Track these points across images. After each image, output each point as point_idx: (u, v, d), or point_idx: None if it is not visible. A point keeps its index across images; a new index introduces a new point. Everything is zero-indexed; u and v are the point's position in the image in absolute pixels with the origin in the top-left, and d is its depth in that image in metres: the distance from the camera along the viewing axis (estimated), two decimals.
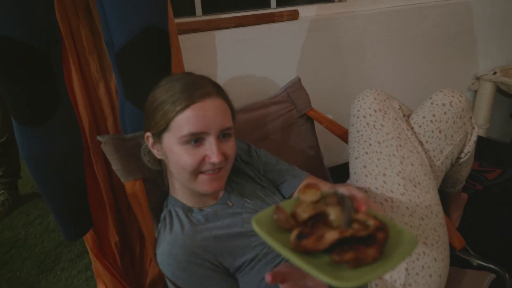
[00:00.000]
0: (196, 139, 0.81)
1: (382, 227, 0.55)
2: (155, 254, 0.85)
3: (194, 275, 0.81)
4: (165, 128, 0.82)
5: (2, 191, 2.26)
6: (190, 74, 0.88)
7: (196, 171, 0.83)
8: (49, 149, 0.96)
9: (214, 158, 0.81)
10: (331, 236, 0.52)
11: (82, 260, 1.82)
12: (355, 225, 0.55)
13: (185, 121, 0.79)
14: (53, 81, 0.93)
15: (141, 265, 1.43)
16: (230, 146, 0.86)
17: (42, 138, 0.94)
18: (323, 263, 0.51)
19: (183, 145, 0.81)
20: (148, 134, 0.87)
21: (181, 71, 1.21)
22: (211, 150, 0.81)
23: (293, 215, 0.59)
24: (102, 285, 1.36)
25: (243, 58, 1.43)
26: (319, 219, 0.57)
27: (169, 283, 0.83)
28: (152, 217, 0.95)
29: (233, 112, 0.89)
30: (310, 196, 0.62)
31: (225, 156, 0.83)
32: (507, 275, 0.95)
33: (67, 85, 1.04)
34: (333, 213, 0.58)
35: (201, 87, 0.82)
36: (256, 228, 0.55)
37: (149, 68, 0.99)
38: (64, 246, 1.93)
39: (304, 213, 0.58)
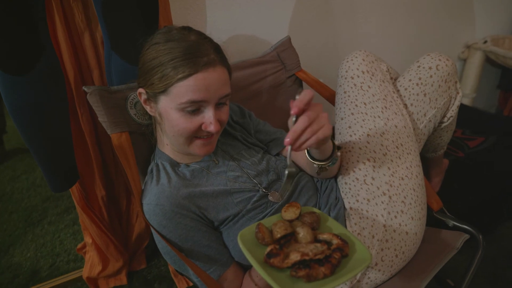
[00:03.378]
0: (194, 107, 0.80)
1: (342, 247, 0.69)
2: (141, 205, 0.87)
3: (180, 225, 0.83)
4: (163, 91, 0.80)
5: None
6: (190, 30, 0.84)
7: (191, 137, 0.85)
8: (34, 98, 0.94)
9: (212, 127, 0.82)
10: (294, 257, 0.66)
11: (69, 214, 1.85)
12: (319, 245, 0.69)
13: (185, 89, 0.78)
14: (36, 29, 0.90)
15: (128, 220, 1.46)
16: (225, 112, 0.87)
17: (27, 87, 0.92)
18: (286, 275, 0.66)
19: (181, 111, 0.81)
20: (142, 90, 0.86)
21: (168, 24, 1.18)
22: (209, 119, 0.82)
23: (271, 232, 0.73)
24: (89, 238, 1.39)
25: (233, 15, 1.40)
26: (290, 237, 0.72)
27: (154, 234, 0.84)
28: (138, 169, 0.95)
29: (230, 76, 0.87)
30: (291, 214, 0.77)
31: (220, 123, 0.85)
32: (480, 236, 0.99)
33: (51, 35, 1.01)
34: (302, 232, 0.72)
35: (205, 54, 0.79)
36: (239, 241, 0.70)
37: (136, 19, 0.97)
38: (51, 201, 1.95)
39: (277, 233, 0.71)
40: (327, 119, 0.70)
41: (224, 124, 0.88)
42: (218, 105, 0.84)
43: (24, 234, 1.75)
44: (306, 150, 0.87)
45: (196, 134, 0.84)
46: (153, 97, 0.84)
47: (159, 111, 0.84)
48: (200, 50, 0.79)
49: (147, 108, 0.88)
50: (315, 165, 0.88)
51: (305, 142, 0.68)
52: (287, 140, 0.67)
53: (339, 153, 0.90)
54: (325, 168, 0.89)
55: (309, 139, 0.68)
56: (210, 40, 0.84)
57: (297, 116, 0.68)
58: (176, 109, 0.81)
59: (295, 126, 0.67)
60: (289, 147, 0.69)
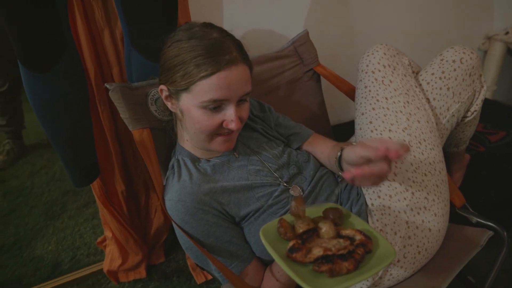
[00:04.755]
0: (216, 105, 0.81)
1: (365, 242, 0.68)
2: (163, 201, 0.88)
3: (202, 221, 0.83)
4: (185, 89, 0.81)
5: (7, 141, 2.27)
6: (211, 27, 0.84)
7: (213, 134, 0.85)
8: (57, 94, 0.95)
9: (233, 125, 0.82)
10: (316, 252, 0.66)
11: (88, 209, 1.87)
12: (342, 240, 0.68)
13: (208, 87, 0.78)
14: (59, 26, 0.91)
15: (147, 214, 1.47)
16: (245, 109, 0.87)
17: (50, 84, 0.94)
18: (308, 270, 0.65)
19: (203, 109, 0.81)
20: (163, 87, 0.86)
21: (187, 19, 1.18)
22: (230, 116, 0.82)
23: (293, 227, 0.73)
24: (109, 232, 1.41)
25: (250, 9, 1.39)
26: (313, 232, 0.71)
27: (176, 229, 0.85)
28: (159, 165, 0.96)
29: (252, 73, 0.87)
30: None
31: (241, 120, 0.85)
32: (505, 233, 0.97)
33: (72, 32, 1.02)
34: (324, 228, 0.71)
35: (227, 52, 0.79)
36: (261, 236, 0.70)
37: (156, 14, 0.97)
38: (70, 195, 1.97)
39: (300, 228, 0.72)
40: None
41: (245, 121, 0.88)
42: (238, 102, 0.84)
43: (45, 227, 1.78)
44: (337, 158, 0.83)
45: (217, 131, 0.85)
46: (174, 94, 0.84)
47: (181, 108, 0.85)
48: (222, 48, 0.78)
49: (168, 105, 0.88)
50: (340, 173, 0.85)
51: (359, 183, 0.69)
52: (353, 172, 0.66)
53: None
54: None
55: (364, 184, 0.69)
56: (232, 37, 0.84)
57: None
58: (198, 107, 0.81)
59: (377, 168, 0.64)
60: (349, 178, 0.68)
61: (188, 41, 0.79)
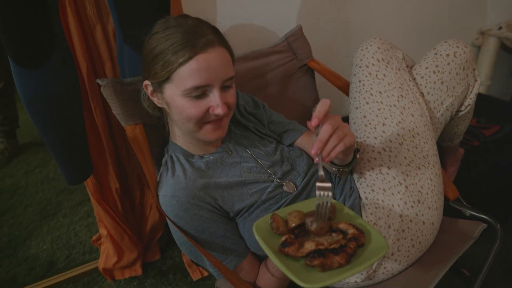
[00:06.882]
0: (199, 92, 0.80)
1: (358, 236, 0.68)
2: (157, 196, 0.87)
3: (196, 217, 0.83)
4: (166, 79, 0.80)
5: (0, 140, 2.26)
6: (186, 17, 0.84)
7: (201, 122, 0.84)
8: (48, 91, 0.95)
9: (219, 110, 0.81)
10: (309, 246, 0.66)
11: (83, 207, 1.86)
12: (334, 234, 0.69)
13: (188, 74, 0.77)
14: (49, 22, 0.90)
15: (142, 212, 1.47)
16: (231, 94, 0.86)
17: (41, 80, 0.93)
18: (300, 265, 0.65)
19: (187, 97, 0.80)
20: (147, 82, 0.86)
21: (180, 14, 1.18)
22: (215, 102, 0.81)
23: (286, 221, 0.73)
24: (104, 230, 1.41)
25: (243, 4, 1.38)
26: (305, 227, 0.71)
27: (170, 225, 0.85)
28: (152, 161, 0.95)
29: (233, 58, 0.87)
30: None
31: (228, 106, 0.84)
32: (498, 226, 0.97)
33: (63, 28, 1.01)
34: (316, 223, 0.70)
35: (202, 35, 0.79)
36: (254, 231, 0.70)
37: (148, 10, 0.96)
38: (65, 194, 1.97)
39: (292, 222, 0.72)
40: (349, 128, 0.71)
41: (232, 107, 0.87)
42: (223, 88, 0.83)
43: (39, 226, 1.77)
44: None
45: (205, 119, 0.83)
46: (158, 87, 0.84)
47: (166, 101, 0.84)
48: (198, 32, 0.79)
49: (155, 100, 0.88)
50: (334, 169, 0.88)
51: (333, 149, 0.68)
52: (313, 151, 0.67)
53: (358, 155, 0.89)
54: (345, 171, 0.89)
55: (337, 146, 0.68)
56: (207, 23, 0.84)
57: (319, 127, 0.68)
58: (181, 96, 0.80)
59: (320, 135, 0.67)
60: (318, 159, 0.68)
61: (164, 31, 0.80)
